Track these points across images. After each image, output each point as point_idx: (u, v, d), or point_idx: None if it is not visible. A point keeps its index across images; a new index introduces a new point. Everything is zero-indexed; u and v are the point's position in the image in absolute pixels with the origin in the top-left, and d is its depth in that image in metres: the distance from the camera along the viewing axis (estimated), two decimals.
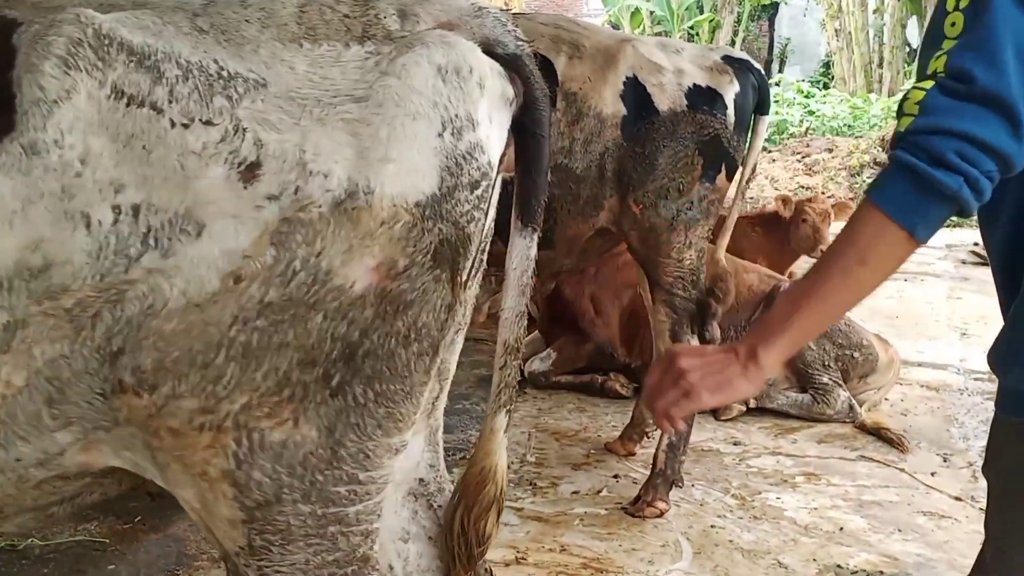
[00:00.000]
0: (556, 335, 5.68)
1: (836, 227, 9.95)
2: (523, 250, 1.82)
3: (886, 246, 1.55)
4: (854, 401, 5.20)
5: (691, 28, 25.40)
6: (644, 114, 3.96)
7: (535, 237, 1.82)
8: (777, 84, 20.22)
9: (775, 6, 28.75)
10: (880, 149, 13.41)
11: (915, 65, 2.00)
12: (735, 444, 4.78)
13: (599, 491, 4.20)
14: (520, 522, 3.90)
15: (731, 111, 4.08)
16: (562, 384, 5.62)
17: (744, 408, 5.16)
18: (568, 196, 3.96)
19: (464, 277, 1.64)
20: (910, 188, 1.52)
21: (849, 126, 15.73)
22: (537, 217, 1.80)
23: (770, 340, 1.62)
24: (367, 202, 1.44)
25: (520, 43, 1.65)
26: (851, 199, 13.03)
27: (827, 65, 25.07)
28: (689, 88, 4.02)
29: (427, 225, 1.51)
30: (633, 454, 4.57)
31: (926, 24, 1.67)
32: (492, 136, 1.57)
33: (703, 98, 4.03)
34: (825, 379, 5.16)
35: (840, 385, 5.18)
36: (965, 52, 1.51)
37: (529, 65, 1.66)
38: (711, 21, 25.43)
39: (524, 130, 1.70)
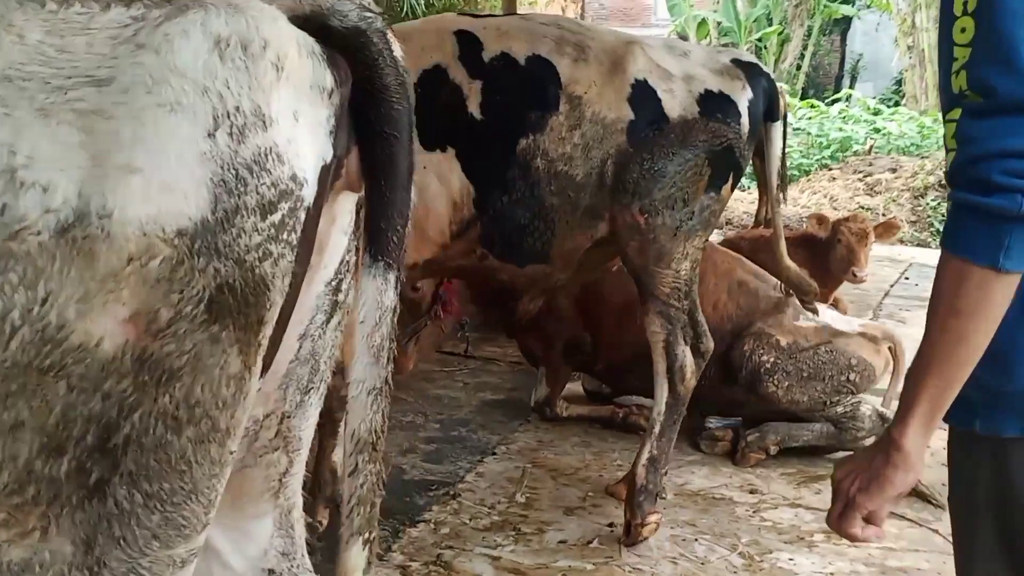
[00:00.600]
0: (547, 359, 5.22)
1: (883, 249, 9.35)
2: (375, 297, 1.33)
3: (974, 289, 1.50)
4: (882, 408, 4.74)
5: (759, 40, 24.78)
6: (653, 120, 3.61)
7: (393, 278, 1.35)
8: (846, 100, 19.52)
9: (848, 20, 27.96)
10: None
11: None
12: (751, 492, 4.32)
13: (589, 542, 3.77)
14: (494, 573, 3.51)
15: (745, 119, 3.74)
16: (575, 418, 5.18)
17: (764, 455, 4.68)
18: (567, 206, 3.62)
19: (262, 336, 1.21)
20: (973, 224, 1.49)
21: (916, 145, 15.01)
22: (393, 250, 1.34)
23: (904, 421, 1.61)
24: (103, 229, 1.04)
25: (368, 16, 1.24)
26: (914, 221, 12.43)
27: (900, 82, 24.20)
28: (701, 94, 3.69)
29: (198, 263, 1.09)
30: None
31: (938, 33, 1.61)
32: (298, 139, 1.16)
33: (716, 105, 3.70)
34: (838, 410, 4.68)
35: (858, 399, 4.72)
36: (982, 64, 1.47)
37: (378, 44, 1.26)
38: (780, 34, 24.78)
39: (371, 131, 1.30)
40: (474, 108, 3.52)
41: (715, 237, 6.44)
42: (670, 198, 3.65)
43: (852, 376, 4.74)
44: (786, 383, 4.61)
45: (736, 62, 3.83)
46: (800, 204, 12.98)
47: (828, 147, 15.60)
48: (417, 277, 3.79)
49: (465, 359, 6.25)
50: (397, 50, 1.30)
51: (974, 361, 1.55)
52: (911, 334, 7.39)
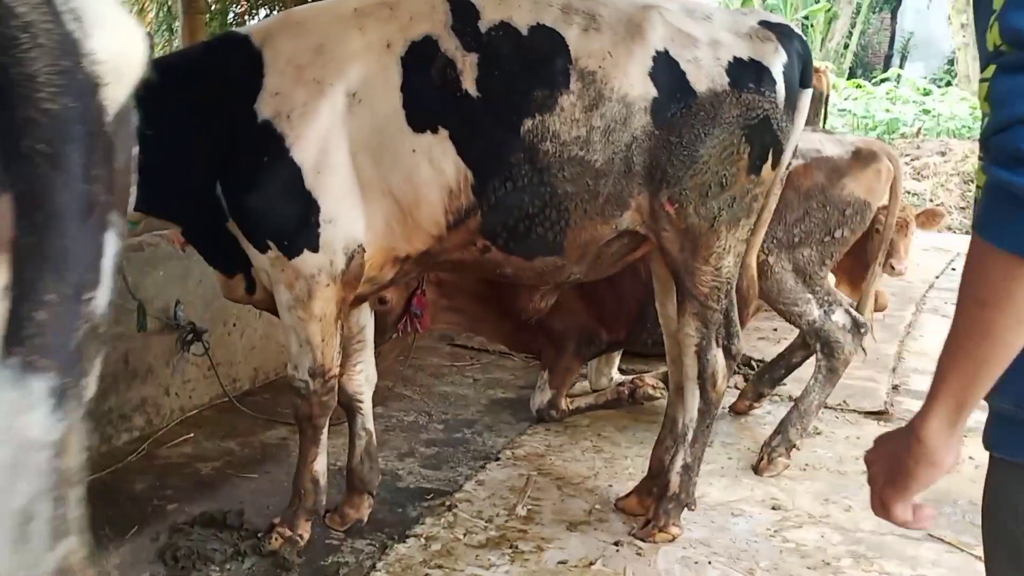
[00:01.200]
0: (557, 359, 4.91)
1: (929, 238, 8.85)
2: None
3: (1000, 280, 1.32)
4: (853, 312, 4.50)
5: (805, 18, 24.08)
6: (679, 96, 3.26)
7: (42, 388, 0.86)
8: (894, 80, 18.85)
9: None
10: None
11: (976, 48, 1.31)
12: (774, 508, 3.96)
13: (592, 563, 3.45)
14: None
15: (780, 86, 3.36)
16: (583, 409, 4.88)
17: (790, 459, 4.33)
18: (585, 193, 3.27)
19: None
20: (999, 203, 1.29)
21: (968, 128, 14.39)
22: (40, 338, 0.85)
23: (926, 413, 1.47)
24: None
25: None
26: (963, 207, 11.88)
27: (952, 62, 23.40)
28: (730, 62, 3.32)
29: None
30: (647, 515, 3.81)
31: None
32: None
33: (748, 73, 3.33)
34: (810, 316, 4.42)
35: (821, 307, 4.44)
36: (1013, 11, 1.26)
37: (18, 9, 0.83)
38: (827, 11, 24.06)
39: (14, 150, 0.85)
40: (469, 84, 3.18)
41: None
42: (704, 184, 3.31)
43: (845, 231, 4.50)
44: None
45: (765, 24, 3.44)
46: None
47: (874, 129, 15.01)
48: (409, 271, 3.47)
49: (479, 352, 5.94)
50: (73, 23, 0.88)
51: (1004, 359, 1.37)
52: None
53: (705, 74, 3.29)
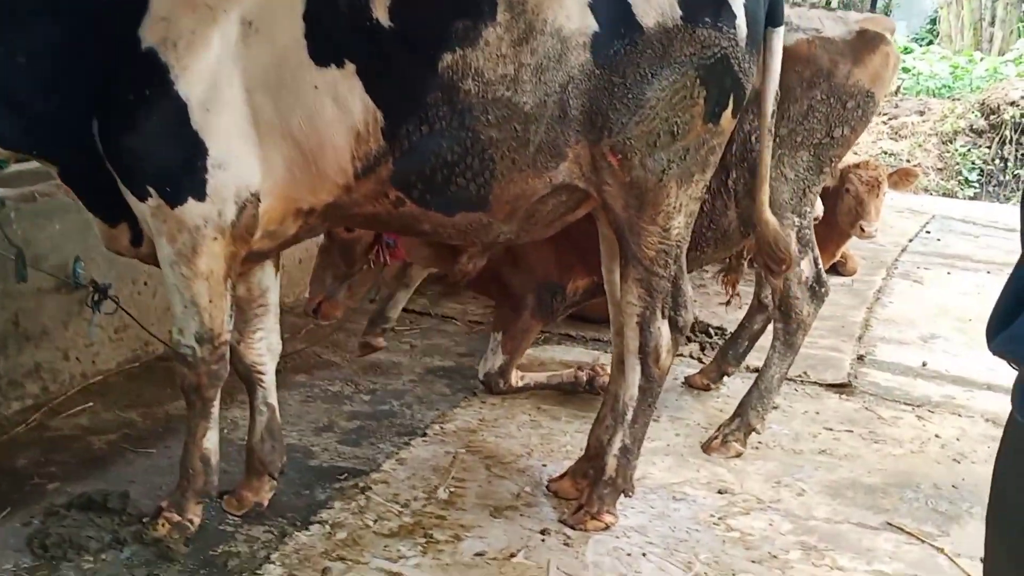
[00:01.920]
0: (512, 319, 4.41)
1: (904, 199, 8.45)
2: None
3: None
4: (819, 265, 3.97)
5: None
6: (623, 30, 2.85)
7: None
8: None
9: None
10: (979, 115, 11.77)
11: None
12: (720, 492, 3.61)
13: (513, 554, 3.10)
14: None
15: (741, 21, 2.95)
16: (531, 388, 4.46)
17: (743, 450, 3.97)
18: (512, 141, 2.88)
19: None
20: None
21: (948, 87, 14.01)
22: None
23: None
24: None
25: None
26: (940, 168, 11.55)
27: (934, 21, 22.93)
28: None
29: None
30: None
31: None
32: None
33: (703, 5, 2.91)
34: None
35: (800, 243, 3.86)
36: None
37: None
38: None
39: None
40: (380, 12, 2.77)
41: None
42: (652, 133, 2.92)
43: (845, 129, 3.78)
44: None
45: None
46: None
47: None
48: (315, 226, 3.08)
49: (420, 316, 5.56)
50: None
51: None
52: (929, 296, 6.66)
53: (653, 5, 2.87)
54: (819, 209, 4.70)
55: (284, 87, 2.79)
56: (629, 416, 3.31)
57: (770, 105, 3.23)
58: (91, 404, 4.11)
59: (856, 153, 11.64)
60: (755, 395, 4.01)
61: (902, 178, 6.24)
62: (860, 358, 5.26)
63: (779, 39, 3.17)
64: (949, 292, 6.59)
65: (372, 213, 3.02)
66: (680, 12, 2.88)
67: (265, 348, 3.32)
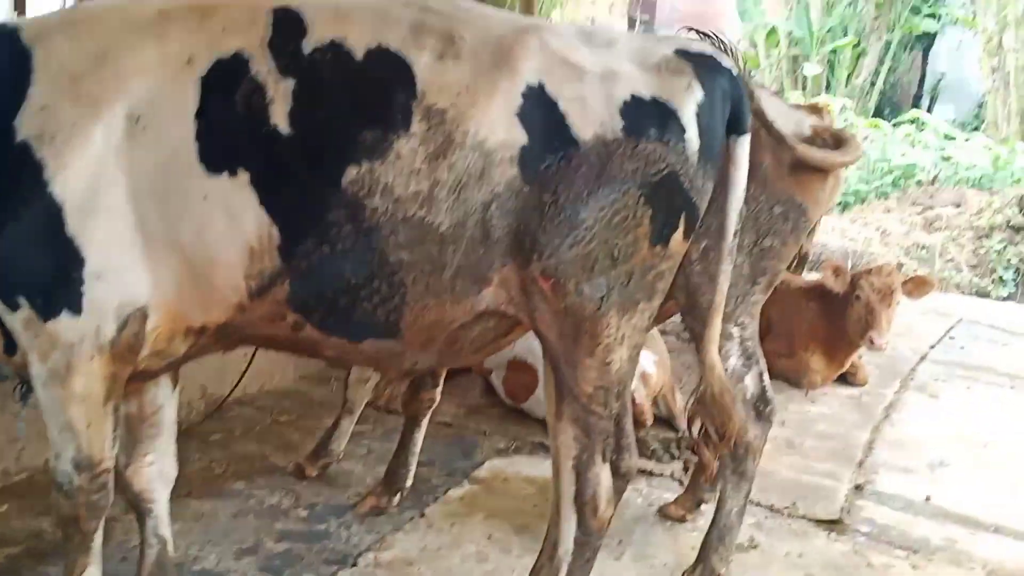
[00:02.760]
0: None
1: (932, 298, 7.87)
2: None
3: None
4: (766, 381, 3.54)
5: (832, 52, 23.28)
6: (556, 144, 2.55)
7: None
8: (912, 122, 18.00)
9: (931, 37, 26.22)
10: (1018, 210, 11.29)
11: None
12: None
13: None
14: None
15: (692, 133, 2.64)
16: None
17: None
18: (426, 264, 2.57)
19: None
20: None
21: (988, 178, 13.54)
22: None
23: None
24: None
25: None
26: (974, 265, 11.04)
27: (982, 105, 22.49)
28: (626, 102, 2.60)
29: None
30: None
31: None
32: None
33: (648, 116, 2.61)
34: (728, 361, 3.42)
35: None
36: None
37: None
38: (855, 46, 23.23)
39: None
40: (280, 118, 2.49)
41: None
42: (589, 256, 2.61)
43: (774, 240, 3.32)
44: None
45: (681, 53, 2.73)
46: (848, 236, 11.67)
47: (889, 173, 14.19)
48: (208, 346, 2.77)
49: (388, 414, 5.21)
50: None
51: None
52: (944, 413, 6.13)
53: (592, 117, 2.58)
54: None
55: (171, 193, 2.50)
56: (563, 573, 2.94)
57: (732, 224, 2.88)
58: (4, 508, 3.81)
59: (887, 245, 11.24)
60: (715, 535, 3.60)
61: (917, 287, 5.84)
62: (858, 488, 4.80)
63: (744, 149, 2.83)
64: (966, 410, 6.11)
65: (270, 336, 2.71)
66: (621, 124, 2.58)
67: (156, 474, 3.00)
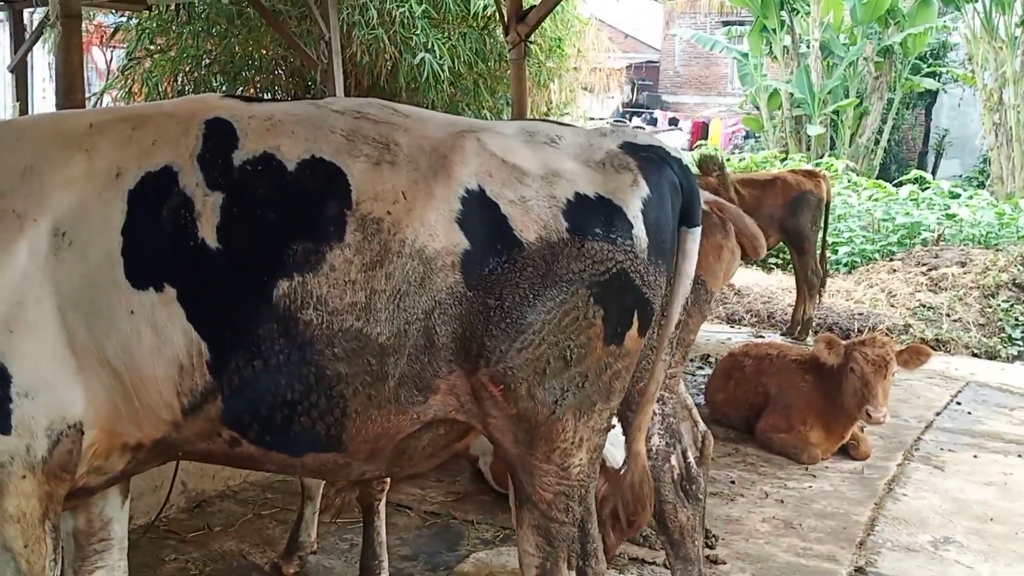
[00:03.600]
0: None
1: (933, 363, 7.59)
2: None
3: None
4: (690, 456, 3.54)
5: (835, 113, 23.41)
6: (499, 247, 2.48)
7: None
8: (915, 182, 17.94)
9: (932, 94, 26.37)
10: (1023, 268, 11.15)
11: None
12: None
13: None
14: None
15: (640, 230, 2.57)
16: None
17: None
18: (366, 376, 2.49)
19: None
20: None
21: (993, 235, 13.42)
22: None
23: None
24: None
25: None
26: (982, 324, 10.86)
27: (986, 160, 22.49)
28: (569, 201, 2.53)
29: None
30: None
31: None
32: None
33: (593, 215, 2.54)
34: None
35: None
36: None
37: None
38: (857, 107, 23.36)
39: None
40: (207, 232, 2.44)
41: None
42: (539, 359, 2.52)
43: None
44: None
45: (627, 147, 2.68)
46: (854, 298, 11.54)
47: (895, 232, 14.09)
48: (148, 461, 2.68)
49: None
50: None
51: None
52: (950, 486, 5.92)
53: (534, 218, 2.51)
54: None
55: (97, 309, 2.45)
56: None
57: (676, 312, 2.79)
58: None
59: (893, 306, 11.09)
60: None
61: (912, 357, 5.71)
62: (859, 571, 4.62)
63: (694, 241, 2.76)
64: (973, 482, 5.91)
65: (207, 451, 2.62)
66: (566, 224, 2.51)
67: None
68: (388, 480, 3.97)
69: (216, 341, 2.43)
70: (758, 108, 25.29)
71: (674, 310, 2.76)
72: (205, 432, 2.54)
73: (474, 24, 12.60)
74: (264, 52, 12.85)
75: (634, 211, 2.57)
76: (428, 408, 2.57)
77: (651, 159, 2.66)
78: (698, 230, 2.76)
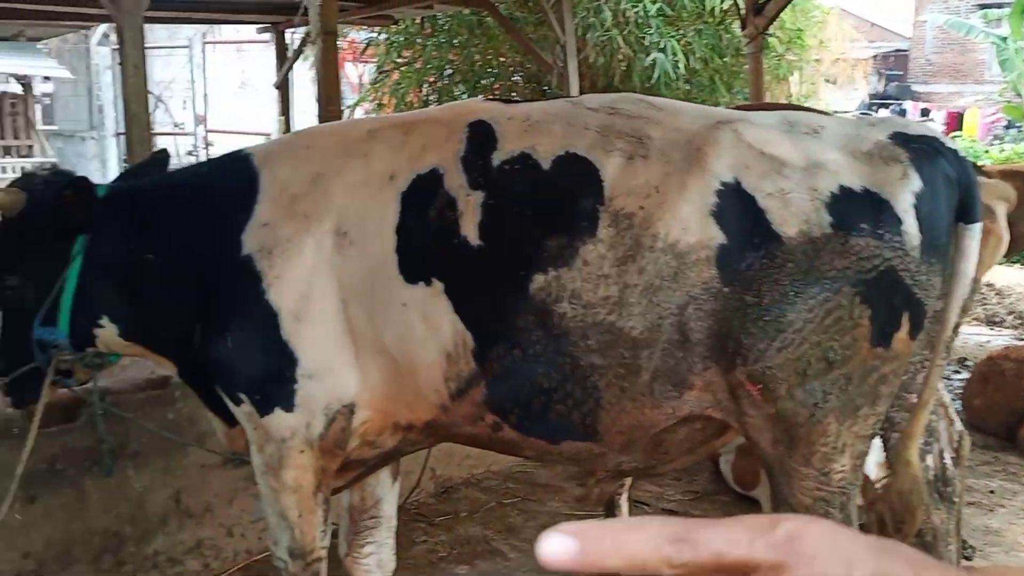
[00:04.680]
0: None
1: None
2: None
3: None
4: None
5: None
6: (756, 242, 2.42)
7: None
8: None
9: None
10: None
11: None
12: None
13: None
14: None
15: (910, 225, 2.42)
16: None
17: None
18: (619, 368, 2.51)
19: None
20: None
21: None
22: None
23: None
24: None
25: None
26: None
27: None
28: (833, 195, 2.43)
29: None
30: None
31: None
32: None
33: (859, 209, 2.42)
34: None
35: None
36: None
37: None
38: None
39: None
40: (469, 230, 2.58)
41: None
42: (800, 359, 2.43)
43: None
44: None
45: (898, 137, 2.52)
46: None
47: None
48: (419, 441, 2.88)
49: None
50: None
51: None
52: None
53: (794, 211, 2.42)
54: None
55: (376, 301, 2.66)
56: None
57: (953, 315, 2.61)
58: None
59: None
60: None
61: None
62: None
63: (973, 238, 2.57)
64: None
65: (472, 434, 2.77)
66: (829, 219, 2.40)
67: (375, 564, 3.13)
68: (627, 480, 4.03)
69: (479, 331, 2.57)
70: (1020, 96, 23.38)
71: (951, 312, 2.60)
72: (471, 416, 2.68)
73: (710, 20, 12.44)
74: (502, 59, 13.27)
75: (904, 205, 2.43)
76: (683, 403, 2.57)
77: (923, 150, 2.51)
78: (978, 227, 2.57)
